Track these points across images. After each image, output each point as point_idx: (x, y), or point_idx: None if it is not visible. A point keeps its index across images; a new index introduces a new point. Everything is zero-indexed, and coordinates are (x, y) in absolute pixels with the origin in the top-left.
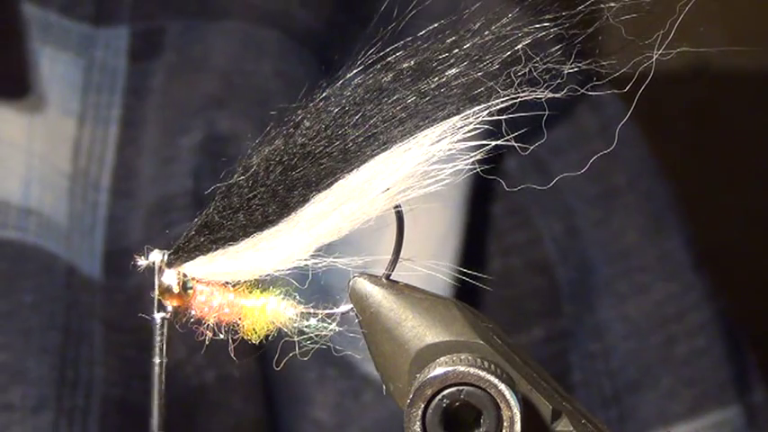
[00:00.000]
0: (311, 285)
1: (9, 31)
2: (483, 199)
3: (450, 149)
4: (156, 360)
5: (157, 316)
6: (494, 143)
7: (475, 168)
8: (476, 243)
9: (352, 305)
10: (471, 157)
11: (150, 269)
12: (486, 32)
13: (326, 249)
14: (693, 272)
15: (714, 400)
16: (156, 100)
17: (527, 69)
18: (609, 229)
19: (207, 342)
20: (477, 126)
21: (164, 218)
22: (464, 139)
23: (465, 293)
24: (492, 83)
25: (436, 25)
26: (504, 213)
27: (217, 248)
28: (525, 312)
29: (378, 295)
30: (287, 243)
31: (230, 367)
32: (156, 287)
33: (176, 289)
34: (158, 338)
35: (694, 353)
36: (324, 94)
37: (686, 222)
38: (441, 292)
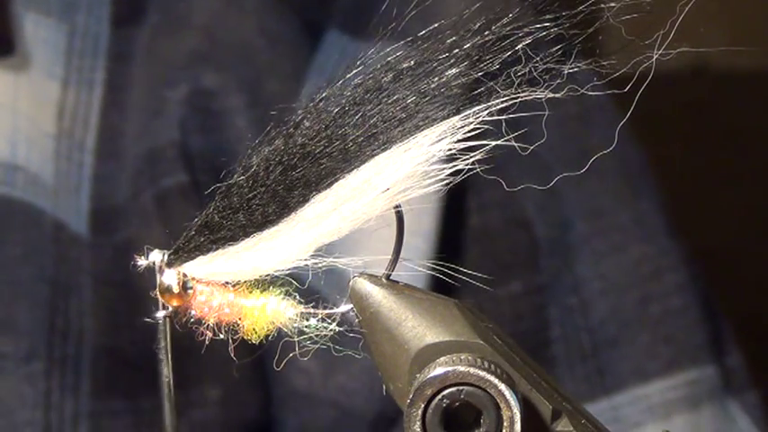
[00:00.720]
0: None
1: None
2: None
3: (450, 149)
4: (163, 359)
5: (160, 314)
6: (494, 143)
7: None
8: (455, 199)
9: (352, 305)
10: (471, 156)
11: (150, 268)
12: (486, 32)
13: (326, 249)
14: (668, 236)
15: (690, 359)
16: (140, 60)
17: (527, 69)
18: (585, 189)
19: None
20: (478, 126)
21: (152, 169)
22: (464, 139)
23: (446, 250)
24: (492, 83)
25: (436, 25)
26: (483, 171)
27: (217, 248)
28: (504, 266)
29: (378, 295)
30: (287, 243)
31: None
32: (157, 287)
33: (176, 289)
34: (162, 338)
35: (670, 312)
36: (324, 94)
37: (660, 188)
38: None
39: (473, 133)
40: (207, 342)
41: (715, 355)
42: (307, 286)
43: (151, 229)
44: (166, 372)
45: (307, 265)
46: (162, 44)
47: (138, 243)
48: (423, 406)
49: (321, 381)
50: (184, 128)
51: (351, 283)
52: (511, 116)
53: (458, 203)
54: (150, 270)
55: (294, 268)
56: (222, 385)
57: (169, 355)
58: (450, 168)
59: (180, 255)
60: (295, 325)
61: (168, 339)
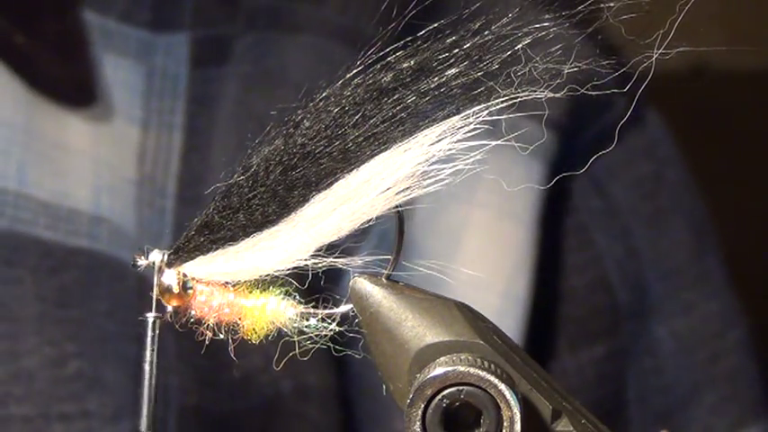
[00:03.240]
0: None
1: (73, 38)
2: (550, 217)
3: (450, 149)
4: (147, 360)
5: (150, 316)
6: (493, 143)
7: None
8: (542, 262)
9: (352, 305)
10: (471, 156)
11: (150, 268)
12: (486, 32)
13: (326, 249)
14: (729, 289)
15: (752, 416)
16: (228, 109)
17: (527, 69)
18: (660, 249)
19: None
20: (478, 126)
21: None
22: (464, 139)
23: (533, 312)
24: (492, 83)
25: (436, 25)
26: (568, 233)
27: (217, 248)
28: (588, 331)
29: (378, 295)
30: (287, 243)
31: (308, 378)
32: (156, 287)
33: (176, 289)
34: (149, 338)
35: (734, 369)
36: (324, 94)
37: (722, 241)
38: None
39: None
40: (207, 342)
41: (766, 410)
42: (306, 286)
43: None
44: (148, 374)
45: (307, 265)
46: (254, 98)
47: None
48: (423, 406)
49: None
50: None
51: (351, 283)
52: (510, 116)
53: (544, 268)
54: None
55: (294, 268)
56: None
57: (155, 359)
58: (451, 168)
59: (180, 255)
60: (295, 325)
61: (156, 343)
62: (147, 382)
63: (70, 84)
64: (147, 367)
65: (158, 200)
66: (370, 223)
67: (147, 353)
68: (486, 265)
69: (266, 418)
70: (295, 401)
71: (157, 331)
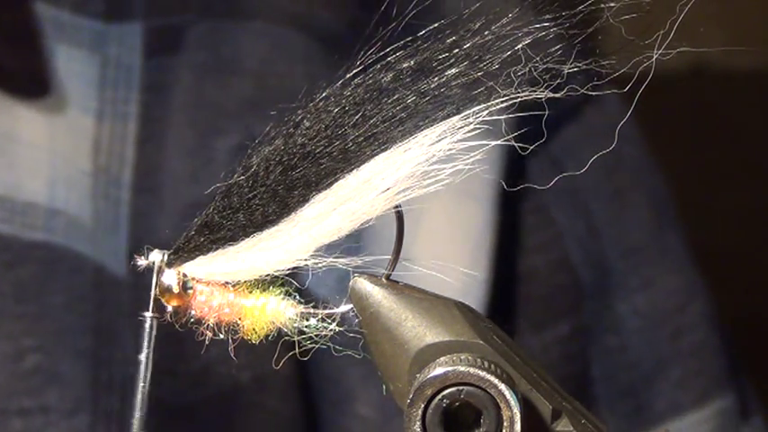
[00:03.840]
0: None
1: (25, 31)
2: (510, 198)
3: (450, 149)
4: (143, 360)
5: (147, 315)
6: (493, 143)
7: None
8: (502, 242)
9: (352, 305)
10: (472, 156)
11: (150, 268)
12: (486, 32)
13: (326, 249)
14: (690, 265)
15: (717, 389)
16: (183, 98)
17: (527, 69)
18: (620, 227)
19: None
20: (478, 126)
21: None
22: (464, 139)
23: (495, 292)
24: (492, 83)
25: (436, 25)
26: (527, 212)
27: (217, 248)
28: (551, 310)
29: (378, 295)
30: (287, 243)
31: (266, 368)
32: (156, 287)
33: (176, 289)
34: (146, 338)
35: (698, 344)
36: (324, 94)
37: (682, 217)
38: (444, 293)
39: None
40: (207, 342)
41: (733, 382)
42: (306, 286)
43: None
44: (143, 372)
45: (307, 265)
46: (209, 87)
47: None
48: (423, 406)
49: (379, 429)
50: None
51: (351, 283)
52: (510, 116)
53: (505, 248)
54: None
55: (294, 268)
56: None
57: (150, 361)
58: (451, 168)
59: (180, 255)
60: (295, 325)
61: (152, 343)
62: (141, 383)
63: (23, 76)
64: (141, 367)
65: (113, 190)
66: (370, 223)
67: (143, 353)
68: (446, 247)
69: (225, 408)
70: (254, 391)
71: (155, 331)
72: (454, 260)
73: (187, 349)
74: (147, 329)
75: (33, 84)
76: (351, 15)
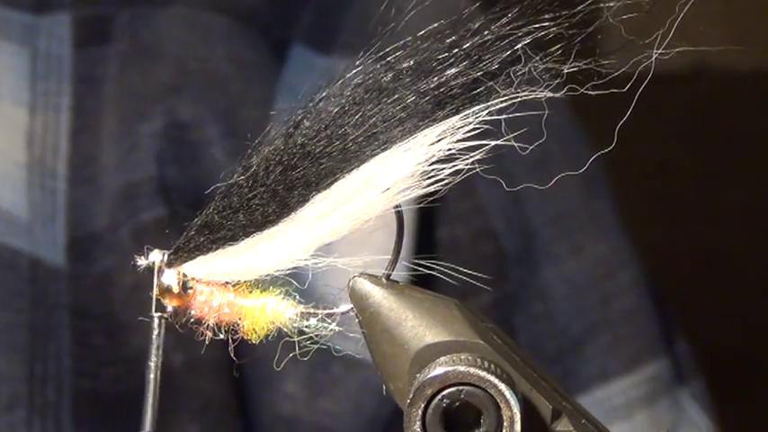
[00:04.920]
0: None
1: None
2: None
3: (450, 149)
4: (153, 360)
5: (155, 315)
6: (493, 143)
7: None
8: (423, 213)
9: (352, 305)
10: (471, 156)
11: (150, 269)
12: (486, 32)
13: (326, 249)
14: (620, 232)
15: (648, 355)
16: (110, 88)
17: (527, 69)
18: (546, 195)
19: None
20: (477, 126)
21: (130, 204)
22: (464, 139)
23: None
24: (492, 83)
25: (436, 25)
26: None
27: (217, 248)
28: (475, 280)
29: (378, 295)
30: (287, 243)
31: (197, 351)
32: (156, 287)
33: (176, 289)
34: (155, 338)
35: (627, 310)
36: (324, 94)
37: (612, 185)
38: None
39: (473, 133)
40: (207, 342)
41: (667, 348)
42: (307, 286)
43: (129, 263)
44: (153, 373)
45: (307, 265)
46: (132, 75)
47: (115, 276)
48: (423, 406)
49: (306, 405)
50: (161, 161)
51: (351, 283)
52: (511, 116)
53: (426, 217)
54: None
55: (294, 268)
56: (201, 419)
57: (160, 359)
58: (450, 168)
59: (180, 255)
60: (295, 325)
61: (161, 341)
62: (152, 383)
63: None
64: (151, 366)
65: (49, 181)
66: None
67: (152, 352)
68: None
69: (160, 393)
70: (187, 375)
71: (163, 330)
72: (372, 233)
73: (121, 337)
74: (156, 329)
75: None
76: None
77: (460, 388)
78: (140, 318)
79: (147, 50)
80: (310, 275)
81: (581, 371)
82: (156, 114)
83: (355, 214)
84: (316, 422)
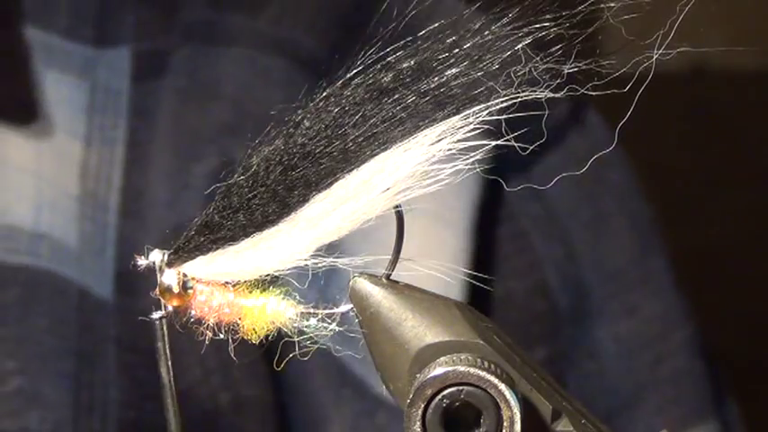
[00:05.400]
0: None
1: (14, 55)
2: (487, 224)
3: (450, 149)
4: (162, 358)
5: (156, 315)
6: (493, 143)
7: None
8: (480, 268)
9: (352, 305)
10: (471, 156)
11: (150, 268)
12: (486, 32)
13: (326, 249)
14: (675, 291)
15: (696, 418)
16: (166, 123)
17: (527, 69)
18: (601, 252)
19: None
20: (477, 126)
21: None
22: (464, 139)
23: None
24: (492, 83)
25: (436, 25)
26: (505, 239)
27: (217, 248)
28: (528, 335)
29: (378, 295)
30: (287, 243)
31: (245, 390)
32: (157, 287)
33: (176, 289)
34: (160, 338)
35: (678, 371)
36: (324, 94)
37: (668, 243)
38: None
39: (473, 133)
40: (207, 342)
41: (716, 409)
42: (306, 286)
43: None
44: (165, 373)
45: (307, 265)
46: (189, 112)
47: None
48: (423, 406)
49: None
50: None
51: (351, 283)
52: (511, 116)
53: (483, 272)
54: (175, 334)
55: (294, 268)
56: None
57: (168, 358)
58: (451, 168)
59: (180, 254)
60: (295, 325)
61: (166, 341)
62: (166, 387)
63: (11, 102)
64: (163, 371)
65: (100, 215)
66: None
67: (161, 354)
68: (421, 272)
69: (204, 431)
70: (233, 414)
71: (166, 330)
72: (428, 284)
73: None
74: (159, 330)
75: (21, 111)
76: (333, 39)
77: (460, 388)
78: (140, 318)
79: (204, 88)
80: (310, 275)
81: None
82: (211, 155)
83: (355, 214)
84: None
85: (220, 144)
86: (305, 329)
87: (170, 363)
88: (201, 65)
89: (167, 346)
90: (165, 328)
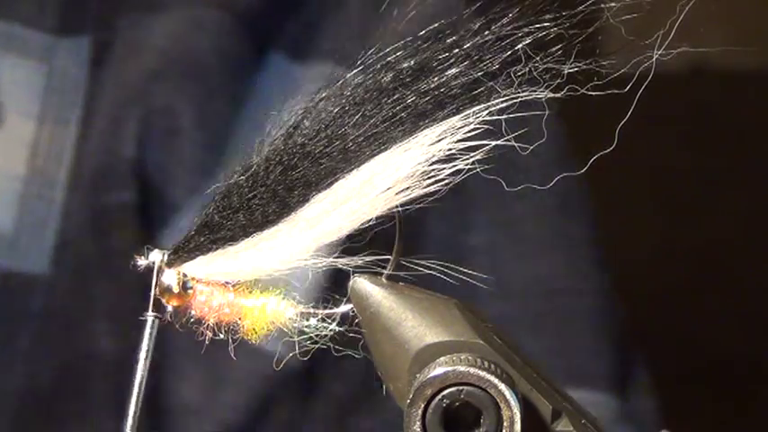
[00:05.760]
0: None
1: None
2: None
3: (450, 149)
4: (141, 358)
5: (149, 315)
6: (493, 143)
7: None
8: None
9: (352, 305)
10: (471, 156)
11: (150, 268)
12: (486, 32)
13: (326, 249)
14: None
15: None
16: (105, 90)
17: (527, 69)
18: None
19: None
20: (477, 126)
21: (106, 183)
22: (464, 139)
23: None
24: (492, 83)
25: (436, 25)
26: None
27: (217, 248)
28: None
29: (378, 295)
30: (287, 243)
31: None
32: (156, 287)
33: (176, 289)
34: (146, 338)
35: None
36: (324, 94)
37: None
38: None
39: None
40: (207, 342)
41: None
42: (306, 286)
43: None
44: (141, 370)
45: (306, 265)
46: (122, 69)
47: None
48: (423, 406)
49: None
50: (139, 145)
51: (351, 283)
52: (511, 116)
53: None
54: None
55: (294, 268)
56: None
57: (149, 358)
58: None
59: (180, 254)
60: (295, 325)
61: (152, 341)
62: (137, 383)
63: None
64: (138, 367)
65: (47, 191)
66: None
67: (142, 353)
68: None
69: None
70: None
71: (156, 331)
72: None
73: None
74: (148, 329)
75: None
76: None
77: (460, 388)
78: (140, 317)
79: (135, 45)
80: (310, 275)
81: None
82: (138, 100)
83: (355, 214)
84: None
85: (146, 90)
86: (305, 329)
87: (149, 363)
88: (138, 30)
89: (152, 347)
90: (155, 330)
